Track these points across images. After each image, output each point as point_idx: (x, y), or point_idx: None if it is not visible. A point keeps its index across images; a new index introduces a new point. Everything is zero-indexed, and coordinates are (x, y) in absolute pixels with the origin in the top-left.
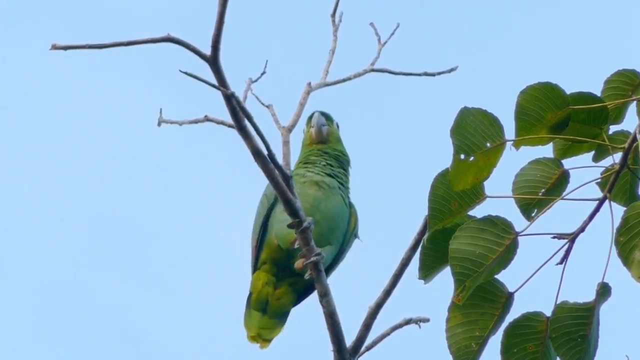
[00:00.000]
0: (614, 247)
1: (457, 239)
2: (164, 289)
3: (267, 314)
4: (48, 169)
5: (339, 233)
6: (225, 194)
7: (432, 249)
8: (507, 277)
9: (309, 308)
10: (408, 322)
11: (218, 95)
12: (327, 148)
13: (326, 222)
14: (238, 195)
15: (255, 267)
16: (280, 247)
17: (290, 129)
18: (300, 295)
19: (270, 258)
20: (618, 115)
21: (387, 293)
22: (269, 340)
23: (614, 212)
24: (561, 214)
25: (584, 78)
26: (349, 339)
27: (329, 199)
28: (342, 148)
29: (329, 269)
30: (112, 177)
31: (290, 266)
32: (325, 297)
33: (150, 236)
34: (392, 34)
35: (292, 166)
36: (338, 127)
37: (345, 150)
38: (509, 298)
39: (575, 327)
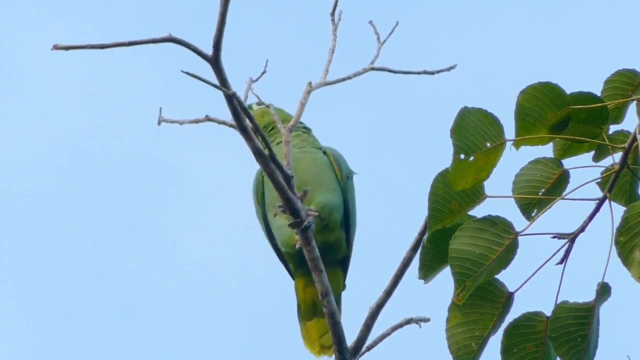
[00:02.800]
0: (614, 247)
1: (457, 239)
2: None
3: (322, 315)
4: (47, 165)
5: (332, 182)
6: (225, 192)
7: (432, 249)
8: (507, 277)
9: None
10: (408, 321)
11: (219, 95)
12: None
13: (312, 179)
14: (238, 194)
15: (292, 275)
16: (289, 252)
17: (291, 129)
18: (344, 271)
19: (294, 263)
20: (618, 115)
21: (388, 293)
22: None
23: (614, 212)
24: (561, 214)
25: (584, 78)
26: (350, 339)
27: (299, 163)
28: (269, 117)
29: (348, 221)
30: (112, 176)
31: None
32: (326, 297)
33: (150, 232)
34: (391, 32)
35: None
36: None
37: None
38: (509, 298)
39: (575, 327)
